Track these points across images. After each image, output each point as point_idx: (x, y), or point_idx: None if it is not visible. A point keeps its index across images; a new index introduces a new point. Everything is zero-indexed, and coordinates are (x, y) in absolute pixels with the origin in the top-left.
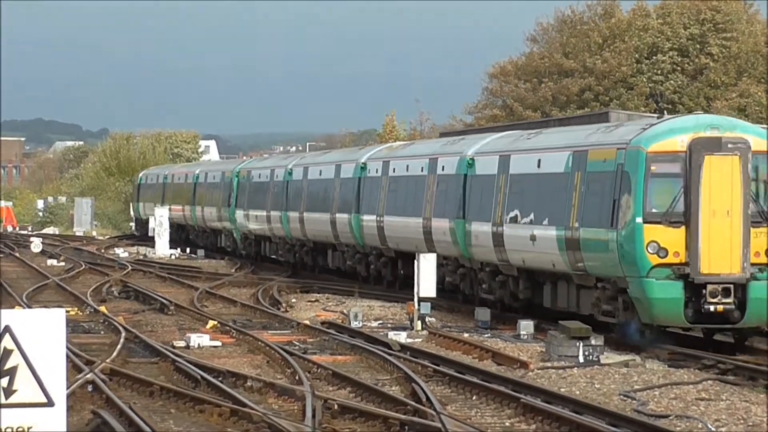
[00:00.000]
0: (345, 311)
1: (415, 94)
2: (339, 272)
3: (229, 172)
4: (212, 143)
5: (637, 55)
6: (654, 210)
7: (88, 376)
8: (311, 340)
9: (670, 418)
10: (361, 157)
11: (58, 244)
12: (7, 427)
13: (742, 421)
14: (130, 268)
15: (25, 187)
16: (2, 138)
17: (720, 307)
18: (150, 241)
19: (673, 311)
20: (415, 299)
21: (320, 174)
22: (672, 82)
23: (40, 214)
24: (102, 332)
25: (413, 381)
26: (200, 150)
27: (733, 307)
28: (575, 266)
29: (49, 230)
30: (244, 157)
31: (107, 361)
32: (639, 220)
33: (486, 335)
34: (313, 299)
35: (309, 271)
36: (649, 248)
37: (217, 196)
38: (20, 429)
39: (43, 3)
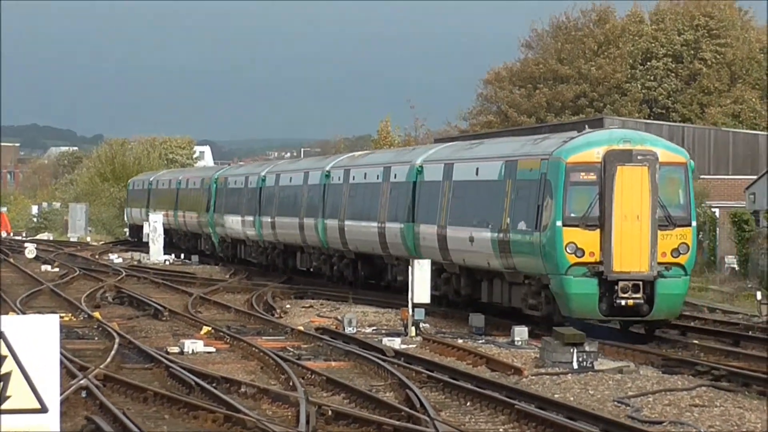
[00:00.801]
0: (339, 317)
1: (410, 100)
2: (307, 273)
3: (208, 179)
4: (207, 149)
5: (631, 61)
6: (572, 214)
7: (81, 382)
8: (305, 346)
9: (664, 424)
10: (326, 165)
11: (52, 249)
12: None
13: (736, 428)
14: (124, 273)
15: (19, 192)
16: None
17: (630, 302)
18: (144, 247)
19: (588, 305)
20: (409, 305)
21: (290, 181)
22: (666, 86)
23: (35, 219)
24: (96, 338)
25: (407, 387)
26: (195, 156)
27: (642, 301)
28: (507, 265)
29: (44, 236)
30: (240, 163)
31: (101, 366)
32: (559, 223)
33: (480, 341)
34: (307, 305)
35: (280, 273)
36: (567, 249)
37: (197, 202)
38: None
39: (37, 4)
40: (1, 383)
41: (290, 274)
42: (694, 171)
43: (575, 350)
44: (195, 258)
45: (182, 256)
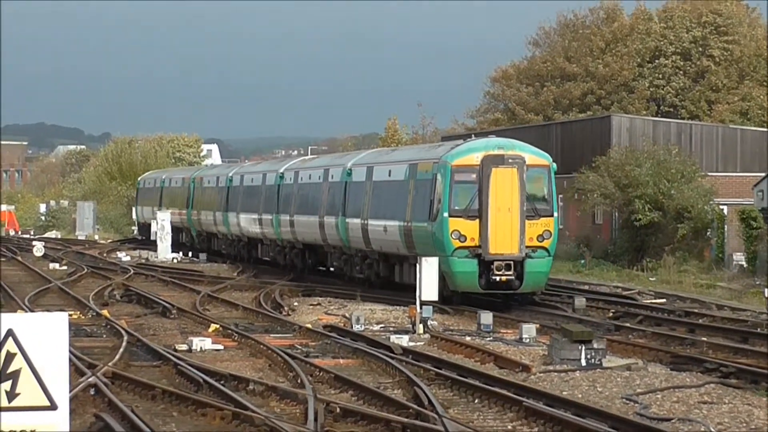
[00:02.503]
0: (347, 315)
1: (418, 98)
2: (268, 263)
3: (187, 178)
4: (214, 147)
5: (639, 59)
6: (457, 207)
7: (90, 379)
8: (313, 343)
9: (673, 421)
10: (280, 168)
11: (60, 248)
12: (10, 431)
13: (744, 425)
14: (132, 271)
15: (27, 191)
16: (5, 142)
17: (504, 278)
18: (152, 245)
19: (470, 281)
20: (417, 303)
21: (252, 181)
22: (674, 84)
23: (43, 218)
24: (104, 336)
25: (415, 384)
26: (202, 154)
27: (513, 278)
28: (411, 250)
29: (51, 234)
30: (246, 161)
31: (109, 364)
32: (446, 215)
33: (488, 338)
34: (315, 303)
35: (245, 263)
36: (453, 235)
37: (178, 199)
38: None
39: (44, 5)
40: (11, 381)
41: (254, 263)
42: (556, 172)
43: (583, 347)
44: (203, 256)
45: (190, 254)
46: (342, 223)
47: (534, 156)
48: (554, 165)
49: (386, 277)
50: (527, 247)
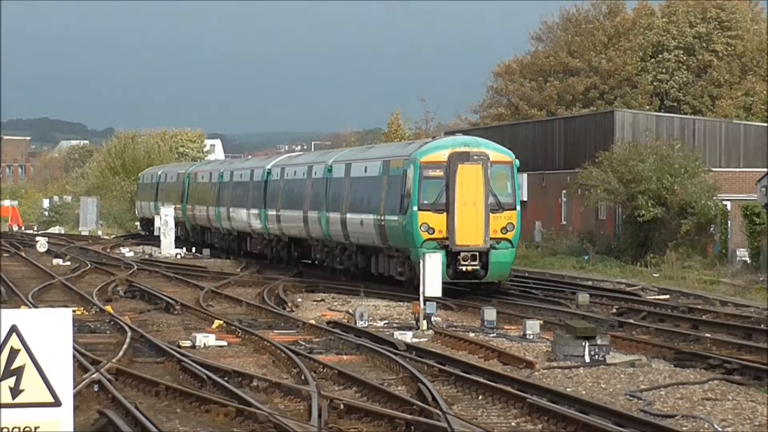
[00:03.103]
0: (350, 311)
1: (421, 93)
2: (255, 255)
3: (182, 174)
4: (217, 142)
5: (641, 54)
6: (425, 202)
7: (94, 375)
8: (317, 339)
9: (677, 417)
10: (267, 164)
11: (63, 243)
12: (14, 427)
13: (748, 421)
14: (135, 267)
15: (30, 186)
16: (8, 137)
17: (470, 268)
18: (154, 240)
19: None
20: (421, 299)
21: (241, 177)
22: (677, 78)
23: (46, 213)
24: (108, 332)
25: (419, 381)
26: (205, 149)
27: (479, 267)
28: (384, 242)
29: (55, 230)
30: (249, 156)
31: (113, 360)
32: (415, 208)
33: (492, 335)
34: (319, 299)
35: (235, 255)
36: (422, 228)
37: (174, 194)
38: (27, 428)
39: (46, 5)
40: (15, 377)
41: (244, 256)
42: (519, 168)
43: (587, 344)
44: (206, 252)
45: (193, 249)
46: (324, 217)
47: (498, 153)
48: (517, 162)
49: (364, 268)
50: (492, 238)
